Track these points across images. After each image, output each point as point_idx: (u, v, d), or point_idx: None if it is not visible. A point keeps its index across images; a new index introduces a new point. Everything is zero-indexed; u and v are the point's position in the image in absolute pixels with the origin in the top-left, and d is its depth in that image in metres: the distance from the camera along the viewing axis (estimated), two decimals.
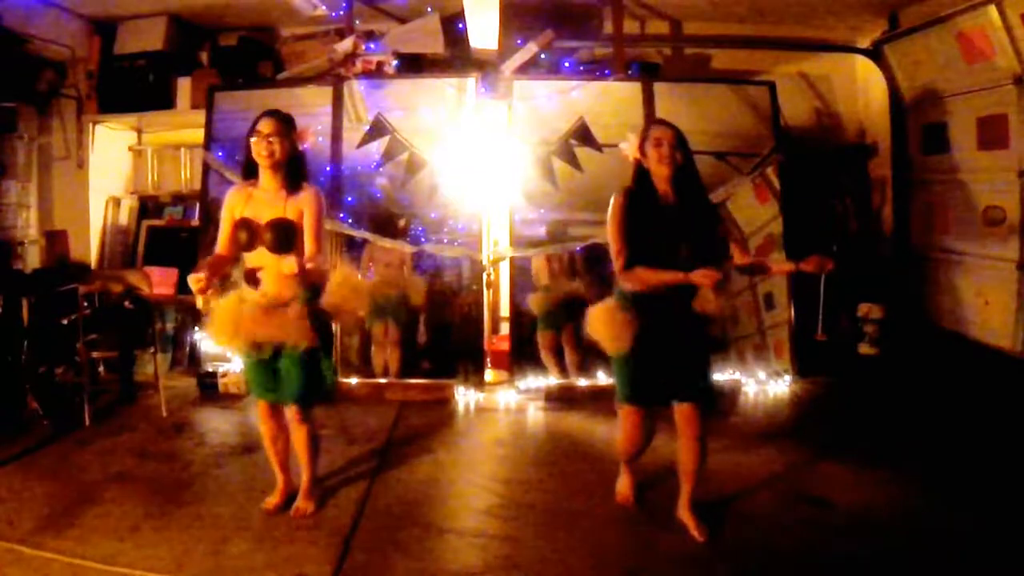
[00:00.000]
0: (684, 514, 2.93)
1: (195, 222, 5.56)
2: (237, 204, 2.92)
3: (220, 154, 5.05)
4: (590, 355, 4.60)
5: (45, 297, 4.50)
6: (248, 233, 2.84)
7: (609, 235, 2.81)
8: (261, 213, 2.87)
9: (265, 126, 2.86)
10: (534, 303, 4.90)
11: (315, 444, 3.13)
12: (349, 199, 4.96)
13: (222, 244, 2.96)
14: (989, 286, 4.61)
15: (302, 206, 2.88)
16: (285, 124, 2.91)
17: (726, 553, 2.79)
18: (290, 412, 3.02)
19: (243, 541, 2.84)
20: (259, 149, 2.85)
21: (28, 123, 5.50)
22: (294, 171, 2.92)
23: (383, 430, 4.12)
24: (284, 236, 2.82)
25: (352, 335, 4.95)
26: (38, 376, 4.33)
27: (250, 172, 2.96)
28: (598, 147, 4.78)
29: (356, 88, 5.07)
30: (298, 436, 3.08)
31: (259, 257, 2.88)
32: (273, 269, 2.86)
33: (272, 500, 3.12)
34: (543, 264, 4.93)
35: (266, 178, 2.91)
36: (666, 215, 2.76)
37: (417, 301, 4.92)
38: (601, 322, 2.85)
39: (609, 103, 5.02)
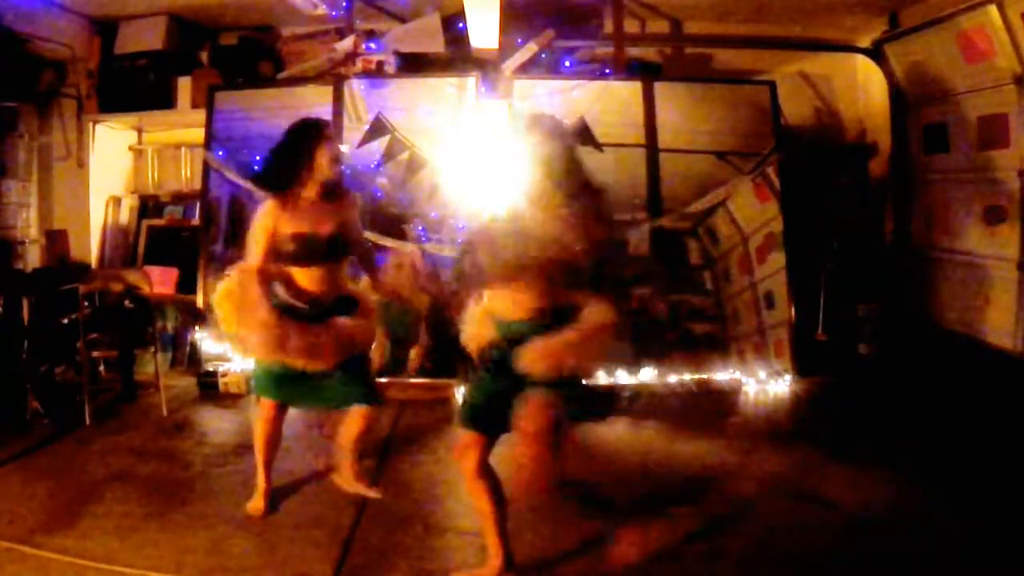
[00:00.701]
0: None
1: (195, 221, 5.57)
2: (281, 218, 2.85)
3: (220, 153, 5.05)
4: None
5: (45, 297, 4.51)
6: (305, 247, 2.85)
7: None
8: (316, 225, 2.86)
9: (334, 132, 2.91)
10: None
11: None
12: None
13: (260, 258, 2.87)
14: (989, 286, 4.61)
15: (346, 213, 2.98)
16: None
17: (726, 553, 2.79)
18: (359, 411, 3.10)
19: (243, 541, 2.85)
20: (331, 156, 2.88)
21: (28, 123, 5.50)
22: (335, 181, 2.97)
23: (383, 429, 4.12)
24: (342, 247, 2.96)
25: None
26: (39, 375, 4.34)
27: (285, 182, 2.86)
28: (598, 146, 4.77)
29: (356, 88, 5.07)
30: (362, 428, 3.18)
31: (311, 268, 2.90)
32: (317, 276, 2.90)
33: (257, 505, 3.10)
34: None
35: (312, 188, 2.88)
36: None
37: (420, 305, 4.91)
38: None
39: (609, 103, 5.01)
